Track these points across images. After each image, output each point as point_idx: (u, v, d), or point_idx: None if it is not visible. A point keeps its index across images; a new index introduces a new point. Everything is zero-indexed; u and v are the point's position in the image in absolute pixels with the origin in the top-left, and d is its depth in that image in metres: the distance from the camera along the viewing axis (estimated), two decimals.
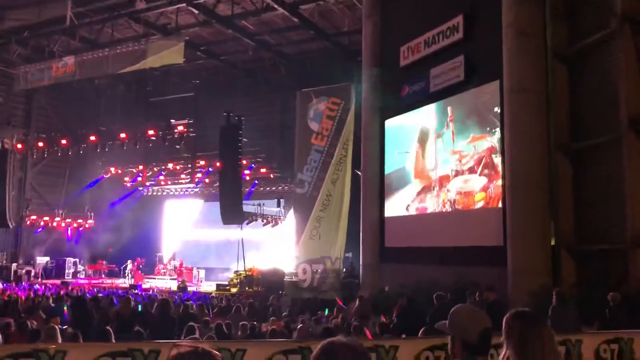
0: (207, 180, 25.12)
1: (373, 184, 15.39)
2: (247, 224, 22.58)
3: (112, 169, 25.59)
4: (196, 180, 25.51)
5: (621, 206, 9.39)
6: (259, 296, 16.03)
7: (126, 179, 26.38)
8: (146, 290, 19.00)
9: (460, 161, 12.73)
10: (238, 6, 19.24)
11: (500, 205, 11.27)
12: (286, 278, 18.42)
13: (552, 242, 10.36)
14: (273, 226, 24.20)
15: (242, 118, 19.60)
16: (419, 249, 13.55)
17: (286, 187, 23.78)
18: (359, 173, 16.50)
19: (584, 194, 10.37)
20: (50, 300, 12.45)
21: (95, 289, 17.89)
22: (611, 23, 9.79)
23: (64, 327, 8.17)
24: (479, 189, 12.13)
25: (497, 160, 11.44)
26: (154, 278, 23.97)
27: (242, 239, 22.09)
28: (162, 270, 24.78)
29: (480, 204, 12.11)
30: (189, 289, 20.21)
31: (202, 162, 24.05)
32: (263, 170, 23.59)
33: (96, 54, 20.35)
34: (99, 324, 8.14)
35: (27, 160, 25.17)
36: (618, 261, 9.41)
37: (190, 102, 26.36)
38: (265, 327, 8.93)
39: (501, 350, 2.10)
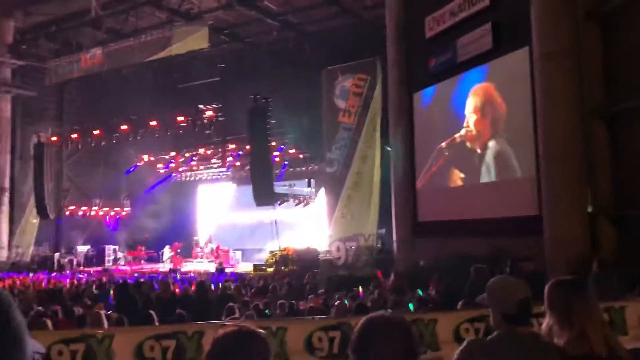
0: (238, 164, 25.34)
1: (403, 159, 15.30)
2: (280, 204, 22.75)
3: (145, 157, 26.03)
4: (227, 164, 25.76)
5: None
6: (295, 275, 16.20)
7: (159, 165, 26.82)
8: (185, 273, 19.40)
9: (493, 131, 12.54)
10: None
11: (534, 174, 11.09)
12: (320, 256, 18.55)
13: (590, 209, 10.17)
14: (305, 206, 24.31)
15: (270, 100, 19.62)
16: (452, 222, 13.48)
17: (316, 167, 23.81)
18: (389, 149, 16.41)
19: (621, 158, 10.11)
20: (94, 287, 12.85)
21: (135, 275, 18.34)
22: None
23: (108, 312, 8.43)
24: (511, 158, 11.95)
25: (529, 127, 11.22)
26: (192, 261, 24.47)
27: (275, 220, 22.30)
28: (200, 254, 25.26)
29: (513, 174, 11.94)
30: (227, 270, 20.55)
31: (232, 146, 24.23)
32: (292, 151, 23.65)
33: (122, 44, 20.57)
34: (141, 308, 8.38)
35: (62, 152, 25.74)
36: None
37: (217, 86, 26.47)
38: (303, 305, 9.04)
39: (544, 320, 2.09)
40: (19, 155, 23.84)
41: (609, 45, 10.34)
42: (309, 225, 23.97)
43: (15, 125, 23.69)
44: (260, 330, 1.42)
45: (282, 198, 22.91)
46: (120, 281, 13.72)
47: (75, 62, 21.91)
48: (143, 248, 26.58)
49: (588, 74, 10.28)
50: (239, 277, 16.65)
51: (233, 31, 23.10)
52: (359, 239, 17.62)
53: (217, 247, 25.04)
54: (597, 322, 1.98)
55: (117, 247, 26.44)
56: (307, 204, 24.26)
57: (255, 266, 21.31)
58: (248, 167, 22.06)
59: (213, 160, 26.54)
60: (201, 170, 28.11)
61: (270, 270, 20.09)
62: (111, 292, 11.21)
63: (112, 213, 26.94)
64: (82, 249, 25.73)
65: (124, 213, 27.06)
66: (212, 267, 21.78)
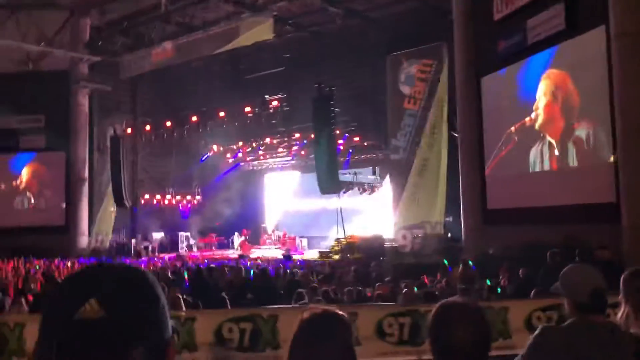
0: (303, 153, 25.64)
1: (471, 144, 15.01)
2: (344, 192, 22.86)
3: (215, 147, 26.81)
4: (292, 153, 26.12)
5: None
6: (360, 263, 16.28)
7: (228, 155, 27.56)
8: (254, 260, 19.90)
9: (565, 115, 12.10)
10: None
11: (611, 159, 10.63)
12: (386, 244, 18.54)
13: None
14: (370, 194, 24.31)
15: (333, 88, 19.68)
16: (522, 209, 13.13)
17: (380, 155, 23.72)
18: (456, 135, 16.13)
19: None
20: (169, 272, 13.43)
21: (206, 261, 18.99)
22: None
23: (183, 296, 8.82)
24: (586, 143, 11.50)
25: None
26: (260, 248, 25.06)
27: (340, 208, 22.44)
28: (267, 240, 25.84)
29: (588, 159, 11.50)
30: (294, 257, 20.92)
31: (297, 135, 24.51)
32: (356, 138, 23.65)
33: (191, 37, 21.18)
34: (214, 292, 8.72)
35: (137, 144, 26.84)
36: None
37: (282, 76, 26.76)
38: (370, 292, 9.12)
39: (619, 309, 2.07)
40: (97, 147, 25.03)
41: None
42: (374, 213, 23.97)
43: (93, 119, 24.86)
44: (343, 314, 1.51)
45: (347, 186, 23.01)
46: (194, 267, 14.28)
47: (147, 56, 22.76)
48: (214, 235, 27.44)
49: None
50: (305, 264, 16.92)
51: (297, 21, 23.27)
52: (425, 226, 17.48)
53: (284, 234, 25.52)
54: None
55: (189, 234, 27.42)
56: (372, 191, 24.25)
57: (320, 253, 21.58)
58: (313, 156, 22.29)
59: (279, 150, 26.97)
60: (267, 159, 28.64)
61: (335, 257, 20.29)
62: (186, 276, 11.67)
63: (185, 201, 27.95)
64: (157, 235, 26.84)
65: (195, 201, 28.03)
66: (279, 254, 22.22)
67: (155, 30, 22.82)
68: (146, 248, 24.88)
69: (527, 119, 13.38)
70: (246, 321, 3.28)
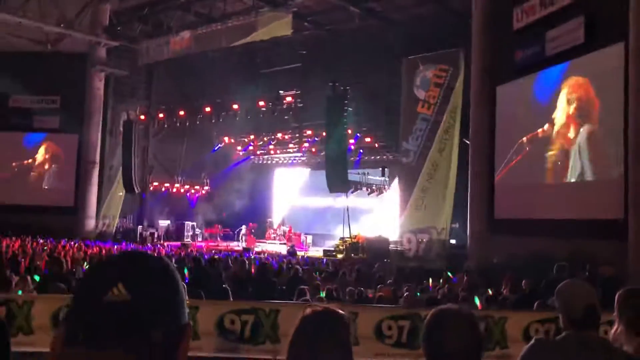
0: (313, 150, 25.69)
1: (482, 153, 14.99)
2: (352, 192, 22.89)
3: (226, 139, 26.91)
4: (303, 149, 26.17)
5: None
6: (364, 263, 16.32)
7: (238, 148, 27.66)
8: (258, 253, 19.99)
9: (579, 129, 12.07)
10: None
11: (621, 175, 10.60)
12: (391, 246, 18.55)
13: None
14: (377, 195, 24.32)
15: (348, 88, 19.69)
16: (529, 221, 13.11)
17: (391, 157, 23.73)
18: (468, 142, 16.11)
19: None
20: (173, 260, 13.52)
21: (212, 252, 19.10)
22: None
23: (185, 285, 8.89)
24: (598, 158, 11.47)
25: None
26: (265, 242, 25.15)
27: (347, 207, 22.47)
28: (273, 235, 25.93)
29: (599, 174, 11.46)
30: (298, 253, 21.00)
31: (309, 132, 24.56)
32: (368, 139, 23.67)
33: (210, 28, 21.27)
34: (216, 284, 8.78)
35: (149, 130, 27.00)
36: None
37: (298, 72, 26.79)
38: (371, 293, 9.15)
39: (613, 326, 2.10)
40: (109, 131, 25.20)
41: None
42: (380, 214, 23.99)
43: (107, 103, 25.02)
44: (344, 312, 1.56)
45: (355, 186, 23.04)
46: (197, 256, 14.36)
47: (165, 44, 22.87)
48: (220, 226, 27.56)
49: None
50: (309, 261, 16.98)
51: (315, 18, 23.29)
52: (431, 231, 17.46)
53: (290, 230, 25.60)
54: None
55: (195, 224, 27.56)
56: (380, 193, 24.26)
57: (325, 252, 21.63)
58: (323, 153, 22.34)
59: (290, 145, 27.04)
60: (278, 154, 28.72)
61: (340, 256, 20.33)
62: (186, 272, 11.71)
63: (193, 191, 28.09)
64: (163, 223, 27.01)
65: (203, 191, 28.16)
66: (284, 249, 22.30)
67: (174, 19, 22.93)
68: (152, 235, 25.03)
69: (540, 130, 13.35)
70: (248, 314, 3.34)
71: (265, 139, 26.70)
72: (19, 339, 3.60)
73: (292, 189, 29.48)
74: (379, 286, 9.90)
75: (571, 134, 12.42)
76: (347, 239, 21.85)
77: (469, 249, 15.22)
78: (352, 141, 22.93)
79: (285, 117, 21.63)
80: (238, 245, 24.38)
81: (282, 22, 18.87)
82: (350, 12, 21.75)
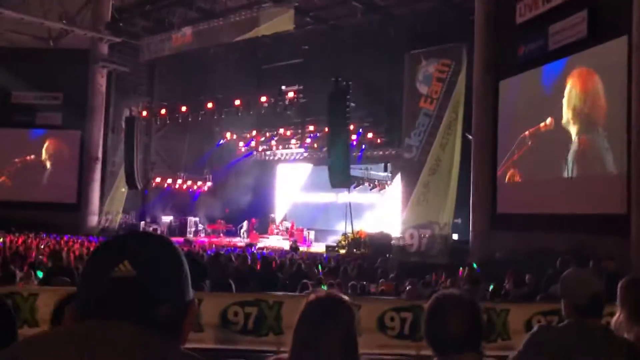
0: (315, 145, 25.68)
1: (485, 148, 14.98)
2: (355, 187, 22.89)
3: (228, 135, 26.93)
4: (305, 145, 26.17)
5: None
6: (366, 258, 16.33)
7: (241, 144, 27.66)
8: (261, 249, 20.02)
9: (582, 123, 12.04)
10: None
11: (624, 170, 10.58)
12: (393, 242, 18.55)
13: None
14: (380, 190, 24.31)
15: (350, 83, 19.66)
16: (532, 215, 13.11)
17: (393, 152, 23.70)
18: (470, 137, 16.09)
19: None
20: None
21: (215, 247, 19.13)
22: None
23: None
24: (600, 153, 11.44)
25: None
26: (268, 238, 25.18)
27: (349, 203, 22.47)
28: (275, 231, 25.95)
29: (601, 169, 11.44)
30: (300, 249, 21.01)
31: (311, 128, 24.55)
32: (370, 135, 23.64)
33: (211, 23, 21.26)
34: (220, 278, 8.79)
35: (151, 126, 27.01)
36: None
37: (300, 68, 26.79)
38: (374, 288, 9.17)
39: (615, 315, 2.12)
40: (112, 127, 25.22)
41: None
42: (383, 209, 23.99)
43: (109, 99, 25.03)
44: (348, 299, 1.57)
45: (358, 181, 23.04)
46: (200, 251, 14.41)
47: (167, 40, 22.88)
48: (222, 222, 27.60)
49: None
50: (311, 256, 17.00)
51: (318, 14, 23.24)
52: (433, 227, 17.45)
53: (292, 226, 25.62)
54: None
55: (198, 220, 27.59)
56: (382, 188, 24.25)
57: (327, 247, 21.64)
58: (325, 149, 22.33)
59: (292, 141, 27.03)
60: (280, 150, 28.72)
61: (342, 251, 20.34)
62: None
63: (195, 186, 28.12)
64: (166, 219, 27.04)
65: (206, 187, 28.18)
66: (286, 245, 22.31)
67: (176, 14, 22.92)
68: (154, 231, 25.04)
69: (542, 124, 13.33)
70: (252, 306, 3.36)
71: (267, 134, 26.70)
72: (24, 331, 3.63)
73: (294, 185, 29.49)
74: (380, 280, 9.92)
75: (574, 128, 12.40)
76: (349, 235, 21.86)
77: (471, 244, 15.23)
78: (354, 137, 22.90)
79: (288, 113, 21.61)
80: (241, 241, 24.41)
81: (284, 17, 18.85)
82: (352, 7, 21.73)
